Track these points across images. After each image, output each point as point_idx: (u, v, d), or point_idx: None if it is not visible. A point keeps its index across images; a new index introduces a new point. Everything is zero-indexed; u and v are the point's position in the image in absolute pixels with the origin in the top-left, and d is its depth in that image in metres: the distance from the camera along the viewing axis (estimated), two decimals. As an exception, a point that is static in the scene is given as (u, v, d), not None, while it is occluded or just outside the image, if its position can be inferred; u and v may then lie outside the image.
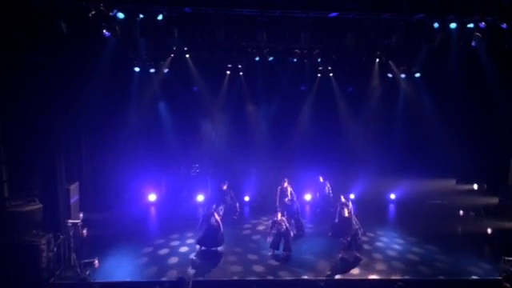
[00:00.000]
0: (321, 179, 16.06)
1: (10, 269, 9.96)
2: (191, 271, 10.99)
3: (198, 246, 12.35)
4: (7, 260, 10.04)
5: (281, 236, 12.10)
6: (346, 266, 11.42)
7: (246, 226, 14.69)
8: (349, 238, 11.83)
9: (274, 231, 12.19)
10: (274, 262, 11.70)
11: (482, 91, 16.51)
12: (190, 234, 13.41)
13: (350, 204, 12.96)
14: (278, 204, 14.30)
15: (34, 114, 11.58)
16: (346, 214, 12.06)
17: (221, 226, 12.25)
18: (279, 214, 12.38)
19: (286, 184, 14.26)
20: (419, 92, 17.87)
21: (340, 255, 11.84)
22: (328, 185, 15.85)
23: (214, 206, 12.76)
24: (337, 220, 13.17)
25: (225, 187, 15.13)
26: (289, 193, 14.05)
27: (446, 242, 13.04)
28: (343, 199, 13.06)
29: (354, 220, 12.21)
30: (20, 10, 10.45)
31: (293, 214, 13.80)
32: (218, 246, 12.25)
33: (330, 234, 13.59)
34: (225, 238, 12.38)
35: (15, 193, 11.61)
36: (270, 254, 12.07)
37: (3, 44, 10.66)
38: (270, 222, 12.65)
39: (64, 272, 10.88)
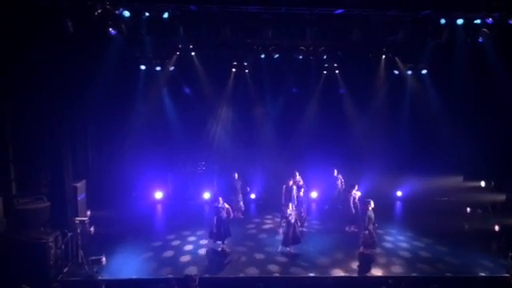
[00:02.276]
0: (335, 173, 16.01)
1: (18, 266, 10.04)
2: (198, 268, 11.02)
3: (207, 242, 12.45)
4: (15, 257, 10.12)
5: (291, 228, 11.93)
6: (366, 262, 11.43)
7: (252, 223, 14.69)
8: (366, 232, 11.73)
9: (283, 224, 12.14)
10: (280, 260, 11.71)
11: (489, 87, 16.39)
12: (196, 232, 13.48)
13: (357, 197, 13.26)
14: (283, 202, 14.29)
15: (41, 113, 11.67)
16: (371, 207, 11.99)
17: (231, 215, 12.33)
18: (291, 205, 12.36)
19: (291, 182, 14.29)
20: (426, 89, 17.77)
21: (360, 250, 11.86)
22: (341, 178, 15.84)
23: (221, 200, 12.50)
24: (354, 211, 13.30)
25: (236, 176, 15.48)
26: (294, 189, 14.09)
27: (453, 239, 12.99)
28: (356, 191, 13.38)
29: (369, 217, 11.87)
30: (26, 9, 10.51)
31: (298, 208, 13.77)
32: (229, 235, 12.33)
33: (349, 229, 13.54)
34: (232, 235, 12.41)
35: (23, 191, 11.74)
36: (278, 250, 12.05)
37: (10, 43, 10.75)
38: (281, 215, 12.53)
39: (72, 269, 10.97)
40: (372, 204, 11.89)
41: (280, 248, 12.13)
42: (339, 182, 15.81)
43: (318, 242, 12.95)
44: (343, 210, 14.09)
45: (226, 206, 12.35)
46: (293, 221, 11.97)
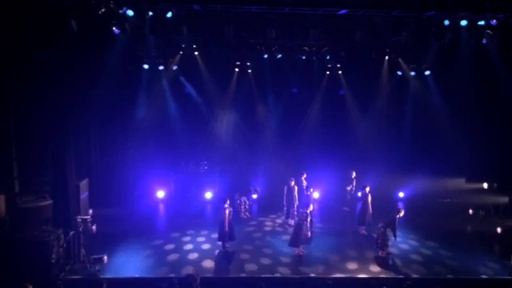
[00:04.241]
0: (354, 174, 16.02)
1: (20, 264, 10.06)
2: (200, 268, 11.04)
3: (210, 245, 12.45)
4: (18, 255, 10.15)
5: (303, 229, 11.91)
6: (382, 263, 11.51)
7: (254, 223, 14.69)
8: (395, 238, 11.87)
9: (290, 223, 12.12)
10: (282, 260, 11.71)
11: (492, 89, 16.39)
12: (198, 231, 13.49)
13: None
14: (284, 203, 14.30)
15: (45, 112, 11.71)
16: (402, 214, 12.01)
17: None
18: (311, 206, 12.36)
19: (292, 183, 14.30)
20: (429, 90, 17.75)
21: (386, 253, 11.92)
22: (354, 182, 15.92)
23: (229, 202, 12.36)
24: (371, 211, 13.33)
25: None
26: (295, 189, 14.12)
27: (456, 240, 12.96)
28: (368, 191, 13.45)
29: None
30: (30, 8, 10.54)
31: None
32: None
33: (362, 231, 13.57)
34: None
35: (26, 189, 11.76)
36: (302, 252, 11.95)
37: (14, 42, 10.78)
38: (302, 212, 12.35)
39: (73, 267, 10.99)
40: (402, 212, 11.95)
41: (298, 250, 12.00)
42: (353, 183, 15.85)
43: (319, 242, 12.93)
44: (359, 212, 13.86)
45: (227, 211, 12.22)
46: (307, 223, 11.93)
